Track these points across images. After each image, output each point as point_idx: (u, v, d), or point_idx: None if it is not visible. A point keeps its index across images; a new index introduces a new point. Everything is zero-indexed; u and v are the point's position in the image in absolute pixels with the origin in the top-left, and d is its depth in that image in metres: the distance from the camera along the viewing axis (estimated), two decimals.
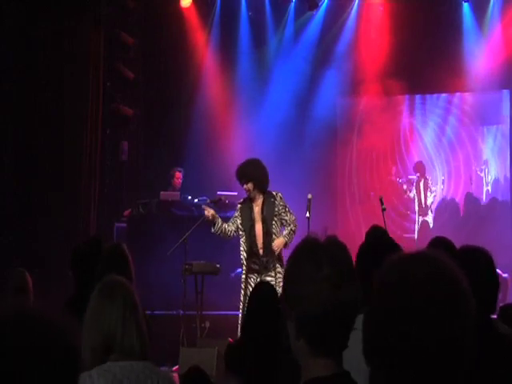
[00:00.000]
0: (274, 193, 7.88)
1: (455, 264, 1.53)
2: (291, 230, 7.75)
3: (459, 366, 1.49)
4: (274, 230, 7.74)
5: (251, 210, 7.84)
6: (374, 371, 1.53)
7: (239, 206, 7.97)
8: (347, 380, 1.88)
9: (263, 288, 4.98)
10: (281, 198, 7.86)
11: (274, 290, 4.98)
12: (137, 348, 2.95)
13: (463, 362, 1.49)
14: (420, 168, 12.56)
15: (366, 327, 1.54)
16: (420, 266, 1.52)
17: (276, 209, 7.77)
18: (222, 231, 7.89)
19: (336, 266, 1.86)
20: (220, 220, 7.93)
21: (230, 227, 7.89)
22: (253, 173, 7.79)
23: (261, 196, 7.83)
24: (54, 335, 1.38)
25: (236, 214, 7.96)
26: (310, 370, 1.87)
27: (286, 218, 7.79)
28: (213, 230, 7.91)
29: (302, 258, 1.90)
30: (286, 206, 7.83)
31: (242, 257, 7.82)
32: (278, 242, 7.70)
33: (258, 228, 7.78)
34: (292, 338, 1.90)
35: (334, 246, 1.91)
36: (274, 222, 7.76)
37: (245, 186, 7.81)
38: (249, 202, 7.89)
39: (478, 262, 3.05)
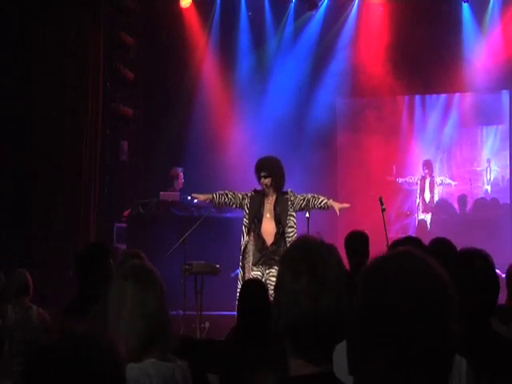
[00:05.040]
0: (286, 190, 7.87)
1: (435, 260, 1.52)
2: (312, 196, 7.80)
3: (448, 363, 1.48)
4: (290, 224, 7.68)
5: (261, 203, 7.77)
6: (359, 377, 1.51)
7: (252, 192, 7.90)
8: (324, 380, 1.86)
9: (252, 286, 4.95)
10: (292, 191, 7.84)
11: (264, 286, 4.96)
12: (169, 342, 2.70)
13: (451, 359, 1.49)
14: (429, 165, 12.52)
15: (352, 328, 1.53)
16: (404, 264, 1.51)
17: (289, 203, 7.74)
18: (221, 204, 7.99)
19: (315, 277, 1.83)
20: (212, 195, 7.96)
21: (229, 196, 7.89)
22: (275, 169, 7.76)
23: (274, 195, 7.79)
24: (101, 353, 1.53)
25: (248, 195, 7.89)
26: (290, 369, 1.88)
27: (300, 197, 7.79)
28: (214, 207, 8.05)
29: (283, 267, 1.89)
30: (296, 194, 7.87)
31: (242, 236, 7.78)
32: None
33: (265, 224, 7.72)
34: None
35: (318, 256, 1.86)
36: (288, 218, 7.69)
37: (263, 180, 7.72)
38: (261, 195, 7.83)
39: (477, 265, 3.04)
